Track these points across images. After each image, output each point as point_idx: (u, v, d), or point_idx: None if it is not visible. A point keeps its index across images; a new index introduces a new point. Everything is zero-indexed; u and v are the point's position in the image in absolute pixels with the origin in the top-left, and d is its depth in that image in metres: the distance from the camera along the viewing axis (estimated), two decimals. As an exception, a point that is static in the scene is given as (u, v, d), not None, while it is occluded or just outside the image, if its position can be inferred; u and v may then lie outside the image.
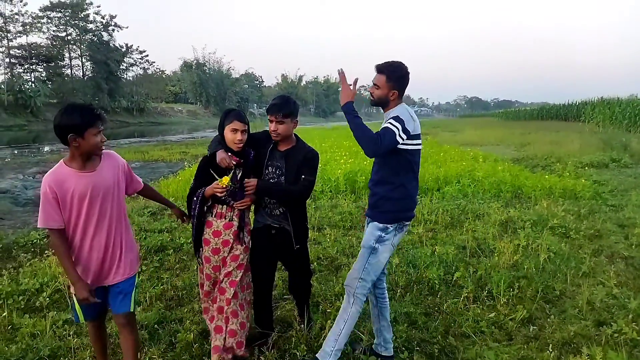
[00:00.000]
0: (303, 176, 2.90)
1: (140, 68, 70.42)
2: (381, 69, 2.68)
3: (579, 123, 32.22)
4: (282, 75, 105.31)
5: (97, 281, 2.47)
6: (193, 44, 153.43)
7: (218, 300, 2.89)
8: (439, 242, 5.54)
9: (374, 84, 2.71)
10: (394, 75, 2.67)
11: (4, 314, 3.58)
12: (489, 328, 3.46)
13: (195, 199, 2.81)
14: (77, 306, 2.45)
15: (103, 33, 62.51)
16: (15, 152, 22.41)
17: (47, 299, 3.94)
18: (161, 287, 4.23)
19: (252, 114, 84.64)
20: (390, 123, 2.55)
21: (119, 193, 2.52)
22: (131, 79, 68.75)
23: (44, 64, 58.21)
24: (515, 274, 4.38)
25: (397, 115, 2.58)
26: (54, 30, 58.43)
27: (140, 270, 4.26)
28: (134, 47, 67.96)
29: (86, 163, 2.37)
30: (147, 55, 71.31)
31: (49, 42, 58.53)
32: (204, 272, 2.93)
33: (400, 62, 2.70)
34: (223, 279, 2.88)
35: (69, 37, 59.64)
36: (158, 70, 76.32)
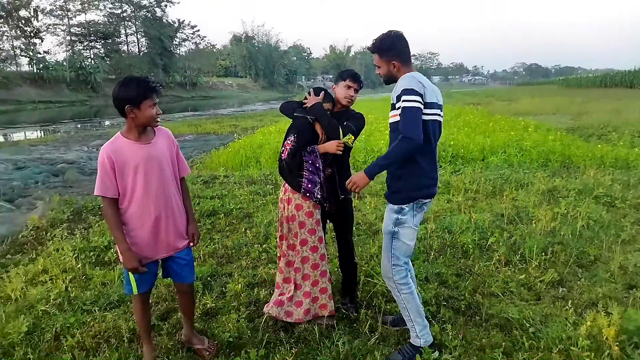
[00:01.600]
0: (345, 122, 3.01)
1: (192, 43, 72.16)
2: (372, 49, 2.66)
3: (646, 90, 30.19)
4: (330, 46, 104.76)
5: (165, 251, 2.59)
6: (242, 17, 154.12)
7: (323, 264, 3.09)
8: (478, 210, 5.64)
9: (375, 66, 2.68)
10: (383, 47, 2.62)
11: (79, 266, 4.10)
12: (517, 289, 3.61)
13: (309, 155, 2.94)
14: (131, 278, 2.51)
15: (156, 9, 64.35)
16: (79, 126, 23.95)
17: (115, 254, 4.44)
18: (213, 246, 4.64)
19: (301, 86, 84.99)
20: (404, 101, 2.42)
21: (172, 166, 2.61)
22: (184, 54, 70.50)
23: (102, 41, 60.88)
24: (550, 240, 4.45)
25: (405, 88, 2.44)
26: (110, 8, 60.86)
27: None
28: (186, 23, 69.53)
29: (142, 135, 2.46)
30: (199, 30, 73.55)
31: (106, 20, 61.04)
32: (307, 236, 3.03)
33: (386, 33, 2.64)
34: (319, 246, 3.06)
35: (124, 14, 61.85)
36: (209, 44, 78.19)
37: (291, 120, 3.11)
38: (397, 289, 2.70)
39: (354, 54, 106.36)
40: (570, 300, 3.36)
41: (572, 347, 2.68)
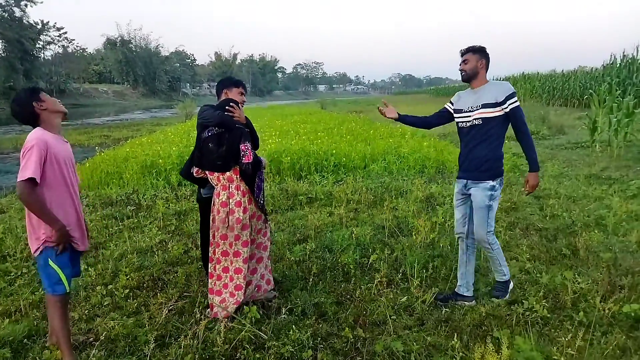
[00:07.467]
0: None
1: (59, 46, 65.03)
2: (467, 50, 3.31)
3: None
4: (216, 53, 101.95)
5: (85, 245, 2.76)
6: (116, 20, 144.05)
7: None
8: (360, 222, 5.35)
9: (463, 61, 3.30)
10: (480, 49, 3.29)
11: None
12: (400, 314, 3.28)
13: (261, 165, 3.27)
14: (62, 276, 2.51)
15: (14, 9, 56.83)
16: None
17: None
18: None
19: (185, 93, 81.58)
20: (516, 100, 3.18)
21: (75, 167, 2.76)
22: (49, 58, 63.43)
23: (-53, 44, 52.48)
24: (430, 253, 4.26)
25: (513, 91, 3.21)
26: (-45, 7, 52.64)
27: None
28: (51, 24, 62.68)
29: (59, 131, 2.67)
30: (66, 33, 65.91)
31: (-49, 19, 52.70)
32: (248, 238, 3.22)
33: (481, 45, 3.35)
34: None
35: (-26, 14, 54.00)
36: (79, 48, 71.00)
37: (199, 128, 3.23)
38: (491, 248, 3.37)
39: (240, 61, 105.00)
40: (454, 324, 3.10)
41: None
